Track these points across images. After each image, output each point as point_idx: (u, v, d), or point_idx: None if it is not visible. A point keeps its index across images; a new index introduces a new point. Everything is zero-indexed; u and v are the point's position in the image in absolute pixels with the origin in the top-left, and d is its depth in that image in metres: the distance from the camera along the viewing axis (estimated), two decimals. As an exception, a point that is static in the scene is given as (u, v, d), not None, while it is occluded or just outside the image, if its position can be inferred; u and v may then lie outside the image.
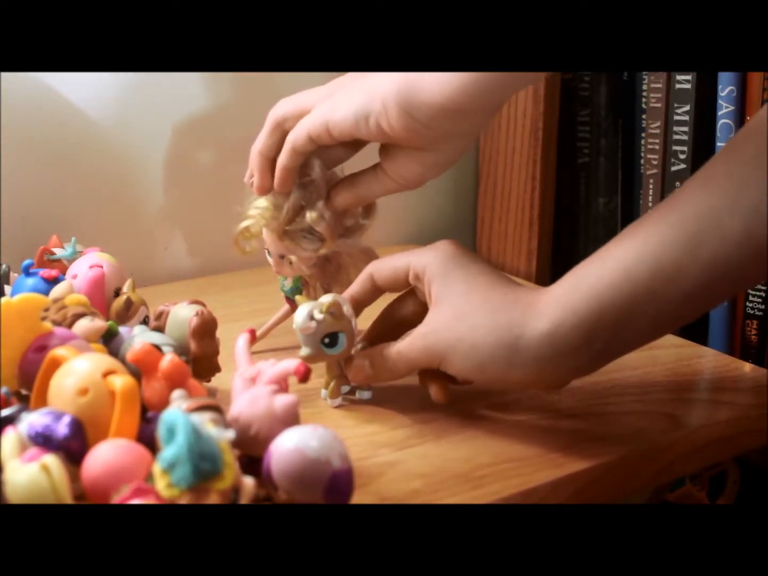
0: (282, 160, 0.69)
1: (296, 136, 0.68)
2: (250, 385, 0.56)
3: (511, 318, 0.60)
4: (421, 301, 0.66)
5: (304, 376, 0.56)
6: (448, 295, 0.62)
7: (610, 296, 0.58)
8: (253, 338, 0.62)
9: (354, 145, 0.70)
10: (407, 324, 0.67)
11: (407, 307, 0.68)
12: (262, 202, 0.72)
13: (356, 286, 0.68)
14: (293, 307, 0.76)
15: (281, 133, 0.70)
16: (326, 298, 0.64)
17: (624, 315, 0.58)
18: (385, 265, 0.67)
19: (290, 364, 0.56)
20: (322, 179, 0.70)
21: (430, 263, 0.64)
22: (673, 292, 0.58)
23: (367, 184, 0.70)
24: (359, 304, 0.69)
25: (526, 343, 0.59)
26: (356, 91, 0.65)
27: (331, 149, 0.70)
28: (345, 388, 0.68)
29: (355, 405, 0.68)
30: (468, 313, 0.61)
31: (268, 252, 0.74)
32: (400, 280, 0.66)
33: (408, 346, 0.64)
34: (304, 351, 0.64)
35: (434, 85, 0.61)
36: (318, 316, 0.63)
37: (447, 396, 0.65)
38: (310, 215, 0.70)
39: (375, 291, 0.68)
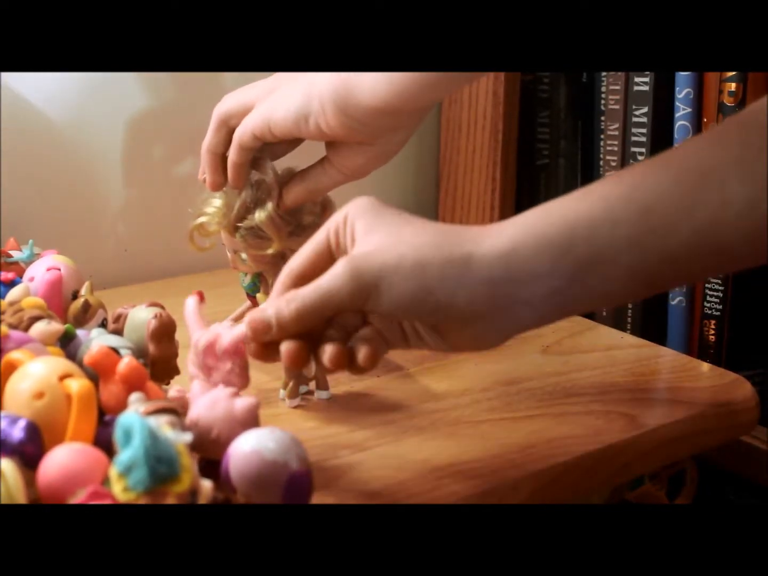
0: (231, 156, 0.71)
1: (241, 133, 0.69)
2: (207, 387, 0.55)
3: (462, 235, 0.53)
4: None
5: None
6: (378, 224, 0.55)
7: (584, 230, 0.52)
8: (202, 299, 0.61)
9: (295, 140, 0.72)
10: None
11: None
12: (217, 201, 0.73)
13: (279, 288, 0.58)
14: (254, 303, 0.76)
15: (227, 129, 0.71)
16: None
17: (595, 255, 0.52)
18: (301, 253, 0.58)
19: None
20: (273, 180, 0.71)
21: (351, 210, 0.56)
22: (657, 248, 0.52)
23: (316, 177, 0.71)
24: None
25: (479, 260, 0.52)
26: (295, 91, 0.67)
27: (275, 144, 0.71)
28: (303, 389, 0.68)
29: (314, 407, 0.68)
30: (409, 233, 0.53)
31: (227, 247, 0.75)
32: (323, 253, 0.57)
33: (327, 278, 0.54)
34: None
35: (367, 87, 0.62)
36: None
37: (378, 355, 0.55)
38: (258, 215, 0.71)
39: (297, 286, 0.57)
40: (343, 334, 0.55)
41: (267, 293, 0.73)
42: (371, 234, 0.54)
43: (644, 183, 0.53)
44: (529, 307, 0.53)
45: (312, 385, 0.69)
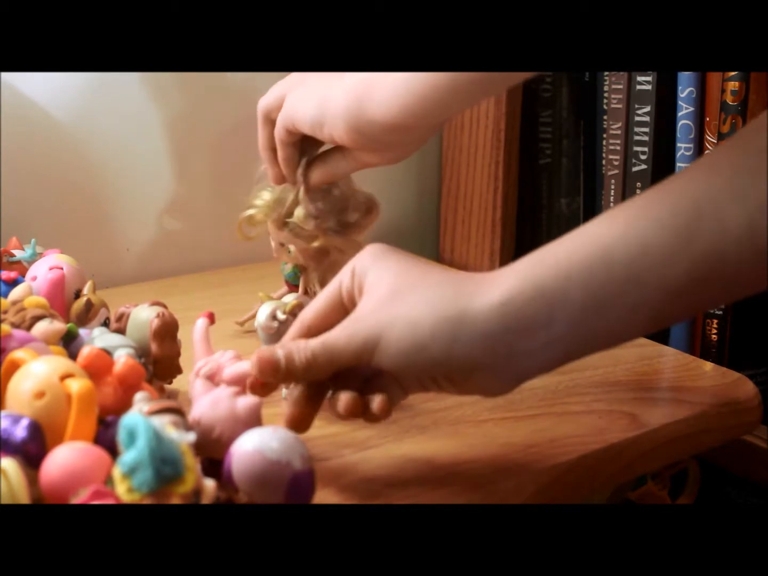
0: (278, 152, 0.73)
1: (277, 128, 0.71)
2: (210, 386, 0.55)
3: (457, 290, 0.53)
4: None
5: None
6: (379, 278, 0.56)
7: (579, 275, 0.52)
8: (212, 321, 0.62)
9: None
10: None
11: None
12: (266, 194, 0.76)
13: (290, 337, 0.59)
14: (291, 289, 0.80)
15: (271, 124, 0.73)
16: (289, 299, 0.65)
17: (595, 299, 0.52)
18: (313, 305, 0.59)
19: (249, 366, 0.56)
20: (300, 173, 0.74)
21: (358, 262, 0.58)
22: (657, 284, 0.51)
23: (336, 162, 0.72)
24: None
25: (474, 315, 0.52)
26: (313, 96, 0.67)
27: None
28: None
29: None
30: (405, 290, 0.54)
31: (271, 238, 0.78)
32: (336, 305, 0.58)
33: (335, 335, 0.55)
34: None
35: (379, 105, 0.62)
36: (281, 316, 0.64)
37: (393, 403, 0.56)
38: (297, 214, 0.74)
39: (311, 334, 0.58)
40: (358, 381, 0.56)
41: (306, 285, 0.78)
42: (373, 291, 0.55)
43: (639, 220, 0.52)
44: (530, 357, 0.53)
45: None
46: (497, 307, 0.52)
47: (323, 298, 0.58)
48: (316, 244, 0.75)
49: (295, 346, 0.55)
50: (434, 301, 0.53)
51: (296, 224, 0.75)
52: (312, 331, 0.58)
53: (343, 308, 0.58)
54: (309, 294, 0.79)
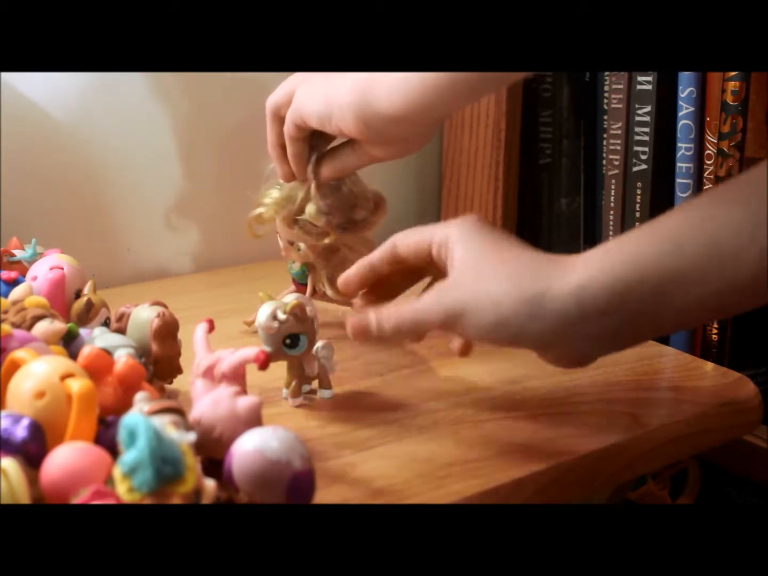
0: (287, 149, 0.74)
1: (286, 125, 0.72)
2: (210, 386, 0.56)
3: (537, 273, 0.58)
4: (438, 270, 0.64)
5: (264, 364, 0.57)
6: (469, 255, 0.60)
7: (653, 265, 0.55)
8: (211, 328, 0.62)
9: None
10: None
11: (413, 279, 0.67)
12: (275, 192, 0.77)
13: (377, 253, 0.66)
14: (299, 288, 0.81)
15: (280, 121, 0.74)
16: (290, 299, 0.65)
17: (664, 288, 0.55)
18: (410, 235, 0.65)
19: (249, 351, 0.57)
20: (311, 169, 0.74)
21: (453, 231, 0.62)
22: (727, 276, 0.54)
23: (346, 157, 0.73)
24: (374, 272, 0.66)
25: (552, 297, 0.56)
26: (319, 91, 0.68)
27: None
28: (305, 388, 0.68)
29: (316, 405, 0.68)
30: (490, 270, 0.59)
31: (280, 237, 0.79)
32: (423, 251, 0.64)
33: (425, 302, 0.61)
34: (265, 350, 0.64)
35: (384, 99, 0.64)
36: (281, 316, 0.64)
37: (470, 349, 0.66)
38: (308, 210, 0.75)
39: (394, 261, 0.66)
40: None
41: (315, 283, 0.79)
42: (461, 265, 0.60)
43: (713, 214, 0.55)
44: (600, 339, 0.58)
45: (315, 384, 0.69)
46: (573, 292, 0.56)
47: (416, 238, 0.64)
48: (327, 241, 0.76)
49: (386, 312, 0.62)
50: (516, 280, 0.57)
51: (307, 221, 0.75)
52: (397, 262, 0.65)
53: (429, 257, 0.63)
54: (317, 292, 0.80)
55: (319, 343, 0.67)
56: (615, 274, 0.56)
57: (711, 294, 0.55)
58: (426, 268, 0.66)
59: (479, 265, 0.59)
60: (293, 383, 0.67)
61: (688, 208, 0.58)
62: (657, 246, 0.56)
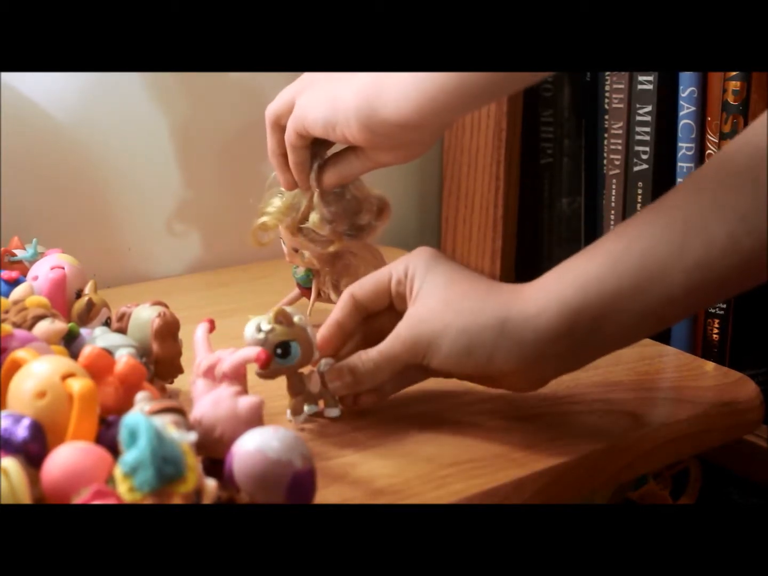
0: (289, 157, 0.73)
1: (288, 133, 0.71)
2: (211, 386, 0.56)
3: (498, 302, 0.60)
4: (398, 313, 0.65)
5: (265, 363, 0.58)
6: (432, 286, 0.62)
7: (595, 288, 0.59)
8: (212, 328, 0.62)
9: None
10: (381, 336, 0.64)
11: (381, 321, 0.67)
12: (278, 201, 0.77)
13: (338, 309, 0.66)
14: (303, 292, 0.81)
15: (280, 129, 0.73)
16: (268, 314, 0.63)
17: (607, 308, 0.59)
18: (366, 281, 0.66)
19: (250, 351, 0.56)
20: (314, 177, 0.74)
21: (411, 263, 0.64)
22: (657, 292, 0.58)
23: (349, 163, 0.72)
24: (344, 331, 0.66)
25: (512, 326, 0.59)
26: (323, 97, 0.68)
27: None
28: (312, 408, 0.66)
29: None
30: (454, 299, 0.61)
31: (284, 242, 0.79)
32: (382, 291, 0.65)
33: (391, 341, 0.63)
34: (259, 371, 0.62)
35: (391, 105, 0.63)
36: (265, 326, 0.61)
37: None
38: (312, 219, 0.75)
39: (357, 312, 0.66)
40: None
41: (320, 288, 0.80)
42: (426, 297, 0.62)
43: (640, 233, 0.59)
44: (556, 360, 0.61)
45: (321, 404, 0.67)
46: (530, 320, 0.59)
47: (373, 281, 0.66)
48: (332, 248, 0.76)
49: (358, 360, 0.63)
50: (480, 310, 0.60)
51: (311, 229, 0.75)
52: (358, 308, 0.66)
53: (389, 296, 0.65)
54: (322, 296, 0.79)
55: (323, 361, 0.65)
56: (565, 300, 0.59)
57: (648, 309, 0.59)
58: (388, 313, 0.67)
59: (444, 296, 0.62)
60: (293, 400, 0.65)
61: (623, 228, 0.61)
62: (597, 268, 0.59)
